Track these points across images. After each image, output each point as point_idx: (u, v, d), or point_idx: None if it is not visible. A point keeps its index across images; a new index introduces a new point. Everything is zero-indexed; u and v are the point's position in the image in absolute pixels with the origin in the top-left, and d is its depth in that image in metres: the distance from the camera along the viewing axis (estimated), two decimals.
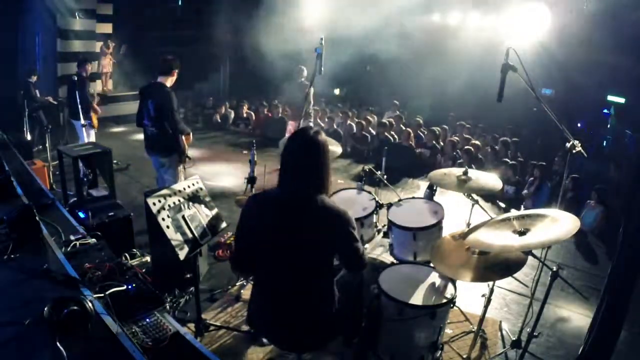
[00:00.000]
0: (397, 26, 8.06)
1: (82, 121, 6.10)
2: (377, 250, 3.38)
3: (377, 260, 3.21)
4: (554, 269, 2.43)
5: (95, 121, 6.88)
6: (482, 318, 3.04)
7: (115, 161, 5.50)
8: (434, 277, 2.71)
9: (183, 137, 4.51)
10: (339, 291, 2.24)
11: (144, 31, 10.41)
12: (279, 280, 2.14)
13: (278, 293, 2.15)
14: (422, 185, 6.65)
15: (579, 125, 10.24)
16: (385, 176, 3.77)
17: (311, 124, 6.98)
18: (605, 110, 10.35)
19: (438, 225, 3.11)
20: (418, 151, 8.02)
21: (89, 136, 6.47)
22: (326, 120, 9.32)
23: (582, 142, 2.75)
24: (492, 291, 3.03)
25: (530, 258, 2.45)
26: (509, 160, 6.87)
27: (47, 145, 6.21)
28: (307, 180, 2.05)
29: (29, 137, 6.81)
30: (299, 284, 2.12)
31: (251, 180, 3.98)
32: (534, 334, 2.65)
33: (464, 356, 3.00)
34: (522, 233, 2.27)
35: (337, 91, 12.52)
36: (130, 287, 2.14)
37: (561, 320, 3.60)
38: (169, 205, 2.52)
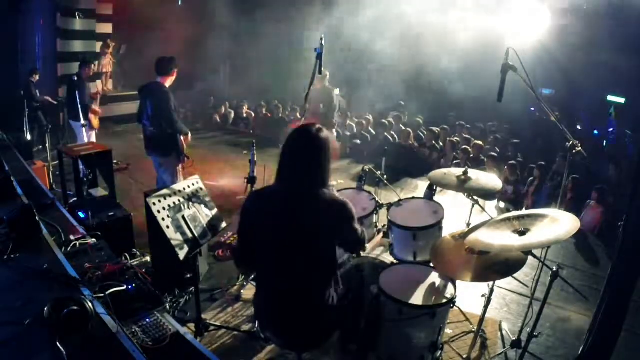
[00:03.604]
0: (397, 26, 8.06)
1: (82, 121, 6.10)
2: (377, 250, 3.38)
3: (377, 260, 3.20)
4: (554, 269, 2.43)
5: (96, 122, 6.88)
6: (482, 318, 3.04)
7: (115, 161, 5.49)
8: (434, 277, 2.71)
9: (182, 137, 4.51)
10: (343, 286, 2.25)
11: (144, 31, 10.40)
12: (280, 276, 2.14)
13: (278, 289, 2.16)
14: (422, 185, 6.64)
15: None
16: (385, 176, 3.77)
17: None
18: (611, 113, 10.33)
19: (438, 225, 3.11)
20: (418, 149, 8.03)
21: (90, 137, 6.47)
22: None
23: (582, 141, 2.76)
24: (492, 291, 3.03)
25: (530, 258, 2.45)
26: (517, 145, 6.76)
27: (47, 145, 6.21)
28: (309, 177, 2.06)
29: (29, 137, 6.80)
30: (299, 280, 2.12)
31: (251, 180, 3.98)
32: (534, 334, 2.65)
33: (464, 356, 3.00)
34: (522, 233, 2.27)
35: (336, 91, 12.49)
36: (130, 287, 2.14)
37: (561, 320, 3.60)
38: (169, 205, 2.52)
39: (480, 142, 7.69)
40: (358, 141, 8.83)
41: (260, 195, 2.22)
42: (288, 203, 2.07)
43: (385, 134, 8.51)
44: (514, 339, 3.00)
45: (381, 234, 3.44)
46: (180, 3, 12.01)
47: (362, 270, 2.89)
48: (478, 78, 7.49)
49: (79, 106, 6.04)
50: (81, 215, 3.81)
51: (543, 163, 6.56)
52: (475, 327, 3.09)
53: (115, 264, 2.32)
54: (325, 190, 2.09)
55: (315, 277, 2.14)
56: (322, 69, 3.35)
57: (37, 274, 2.08)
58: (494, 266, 2.44)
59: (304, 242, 2.07)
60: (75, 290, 1.98)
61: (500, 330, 3.39)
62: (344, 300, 2.25)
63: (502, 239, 2.27)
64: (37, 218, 2.48)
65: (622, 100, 10.07)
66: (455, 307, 2.71)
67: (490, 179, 3.17)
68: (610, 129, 9.74)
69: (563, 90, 10.04)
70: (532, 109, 9.68)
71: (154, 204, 2.45)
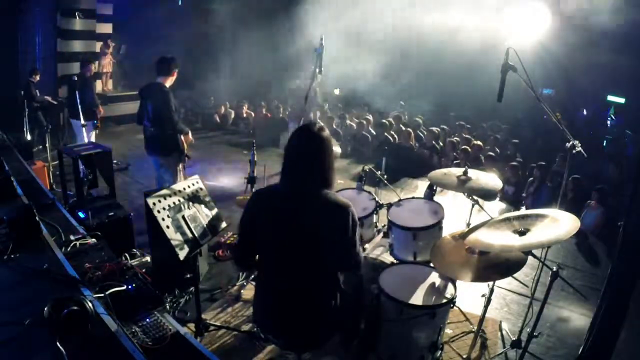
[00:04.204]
0: (397, 26, 8.07)
1: (82, 121, 6.10)
2: (377, 250, 3.38)
3: (377, 260, 3.21)
4: (554, 269, 2.43)
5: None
6: (482, 318, 3.04)
7: (115, 161, 5.49)
8: (434, 277, 2.71)
9: (182, 137, 4.51)
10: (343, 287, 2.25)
11: (144, 31, 10.41)
12: (280, 276, 2.14)
13: (279, 289, 2.16)
14: (422, 185, 6.64)
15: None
16: (385, 176, 3.77)
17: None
18: (612, 117, 10.31)
19: (438, 225, 3.11)
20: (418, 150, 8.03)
21: (90, 137, 6.47)
22: (326, 119, 9.32)
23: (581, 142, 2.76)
24: (492, 291, 3.03)
25: (530, 258, 2.45)
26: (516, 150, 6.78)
27: (47, 145, 6.21)
28: (311, 176, 2.06)
29: (29, 137, 6.80)
30: (300, 280, 2.12)
31: (251, 180, 3.99)
32: (534, 334, 2.65)
33: (464, 356, 3.00)
34: (522, 233, 2.27)
35: (337, 91, 12.50)
36: (130, 287, 2.14)
37: (561, 320, 3.60)
38: (169, 205, 2.52)
39: (479, 143, 7.68)
40: (358, 141, 8.80)
41: (261, 194, 2.22)
42: (289, 202, 2.07)
43: (385, 134, 8.51)
44: (514, 339, 3.00)
45: (381, 234, 3.44)
46: (180, 3, 12.02)
47: (362, 270, 2.89)
48: (478, 78, 7.49)
49: (79, 106, 6.05)
50: (81, 215, 3.81)
51: (543, 163, 6.56)
52: (475, 327, 3.09)
53: (115, 264, 2.32)
54: (329, 191, 2.08)
55: (315, 278, 2.13)
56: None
57: (37, 274, 2.07)
58: (494, 266, 2.44)
59: (304, 242, 2.06)
60: (75, 290, 1.98)
61: (500, 330, 3.39)
62: (344, 301, 2.25)
63: (502, 239, 2.27)
64: (37, 218, 2.47)
65: (622, 100, 10.08)
66: (455, 307, 2.71)
67: (490, 179, 3.17)
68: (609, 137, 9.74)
69: (563, 90, 10.04)
70: (545, 117, 9.66)
71: (154, 204, 2.45)
